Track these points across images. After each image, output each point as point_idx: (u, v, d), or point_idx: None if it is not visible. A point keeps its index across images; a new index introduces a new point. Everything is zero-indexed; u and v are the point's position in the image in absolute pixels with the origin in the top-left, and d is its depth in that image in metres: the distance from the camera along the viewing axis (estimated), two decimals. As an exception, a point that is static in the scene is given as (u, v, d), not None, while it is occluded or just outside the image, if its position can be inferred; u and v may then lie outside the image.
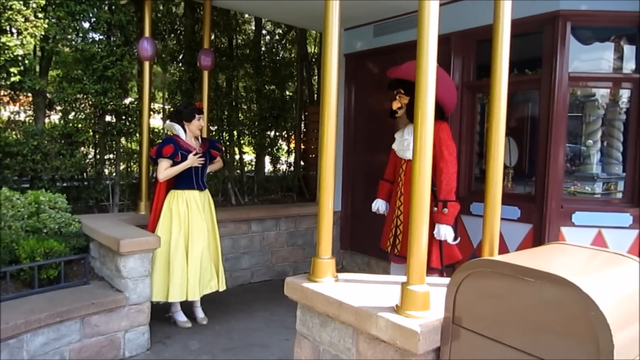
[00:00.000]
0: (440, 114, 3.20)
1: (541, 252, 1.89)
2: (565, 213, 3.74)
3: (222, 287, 3.94)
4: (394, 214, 3.54)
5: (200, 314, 3.94)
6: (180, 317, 3.86)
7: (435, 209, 3.15)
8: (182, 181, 3.74)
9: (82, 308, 2.98)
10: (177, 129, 3.74)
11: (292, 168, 7.09)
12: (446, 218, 3.17)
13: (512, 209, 3.92)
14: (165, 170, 3.62)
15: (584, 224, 3.73)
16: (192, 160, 3.68)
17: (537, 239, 3.81)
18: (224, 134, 6.21)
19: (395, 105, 3.36)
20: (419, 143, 1.76)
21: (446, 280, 2.16)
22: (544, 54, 3.69)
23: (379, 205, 3.76)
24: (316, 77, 7.72)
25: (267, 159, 7.02)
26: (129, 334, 3.26)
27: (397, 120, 3.48)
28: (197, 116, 3.77)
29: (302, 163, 7.11)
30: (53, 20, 4.32)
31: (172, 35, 5.92)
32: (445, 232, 3.17)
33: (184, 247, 3.67)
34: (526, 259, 1.61)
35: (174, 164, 3.64)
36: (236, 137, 6.41)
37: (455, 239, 3.25)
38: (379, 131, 5.22)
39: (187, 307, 3.92)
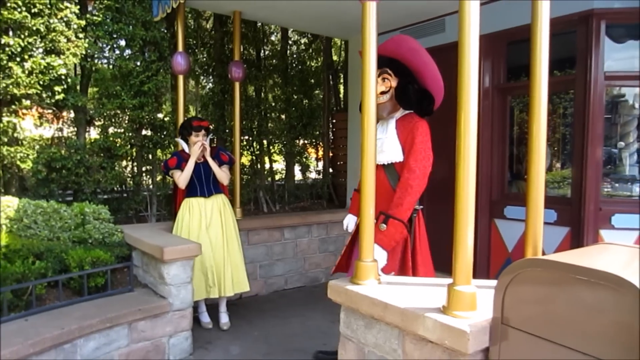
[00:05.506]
0: (421, 109, 2.69)
1: (588, 252, 1.89)
2: (604, 215, 3.68)
3: (228, 293, 3.87)
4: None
5: (223, 319, 4.01)
6: (204, 318, 4.01)
7: (374, 221, 2.32)
8: (188, 190, 3.92)
9: (130, 314, 3.09)
10: (182, 143, 3.97)
11: (321, 175, 7.16)
12: (381, 238, 2.46)
13: (547, 212, 3.85)
14: (180, 177, 3.84)
15: (624, 226, 3.65)
16: (195, 151, 3.79)
17: (575, 242, 3.75)
18: (254, 143, 6.33)
19: (378, 89, 2.57)
20: (462, 142, 1.78)
21: (489, 282, 2.17)
22: (578, 53, 3.66)
23: (348, 222, 3.04)
24: (342, 84, 7.79)
25: (297, 167, 7.11)
26: (173, 339, 3.35)
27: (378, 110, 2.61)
28: (193, 133, 3.84)
29: (330, 170, 7.17)
30: (92, 40, 4.52)
31: (203, 48, 6.09)
32: (376, 256, 2.33)
33: None
34: (575, 258, 1.61)
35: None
36: (266, 146, 6.52)
37: (387, 270, 2.52)
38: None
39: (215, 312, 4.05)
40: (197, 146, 3.79)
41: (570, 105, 4.14)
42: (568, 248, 3.75)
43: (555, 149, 4.48)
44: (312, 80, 7.12)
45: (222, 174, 3.95)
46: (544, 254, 2.72)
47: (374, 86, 2.19)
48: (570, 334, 1.48)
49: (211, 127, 4.23)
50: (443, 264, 3.21)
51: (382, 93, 2.69)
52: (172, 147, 5.16)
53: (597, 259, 1.74)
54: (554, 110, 4.32)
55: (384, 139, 2.68)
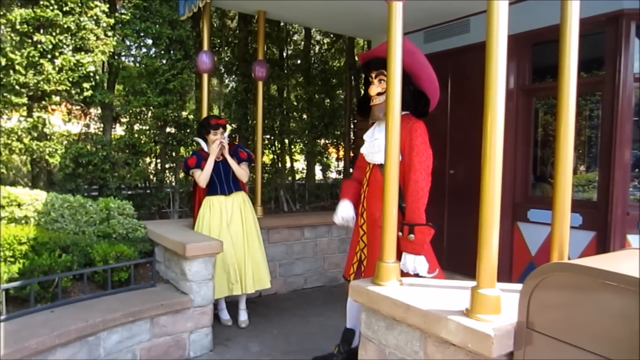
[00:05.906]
0: (417, 110, 2.71)
1: (616, 257, 1.85)
2: (632, 220, 3.59)
3: (249, 290, 3.87)
4: (359, 234, 2.89)
5: (242, 316, 4.04)
6: (223, 316, 4.05)
7: (400, 233, 2.47)
8: (209, 188, 3.93)
9: (152, 309, 3.13)
10: (201, 142, 3.99)
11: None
12: (413, 246, 2.50)
13: (573, 216, 3.76)
14: (200, 176, 3.85)
15: (653, 231, 3.57)
16: (214, 150, 3.82)
17: (600, 246, 3.67)
18: (276, 142, 6.37)
19: (375, 90, 2.72)
20: (489, 144, 1.76)
21: (512, 286, 2.14)
22: (607, 54, 3.58)
23: (343, 209, 2.93)
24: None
25: (318, 166, 7.12)
26: (193, 335, 3.39)
27: (371, 113, 2.82)
28: (211, 131, 3.87)
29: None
30: (120, 38, 4.61)
31: (227, 47, 6.15)
32: (415, 264, 2.50)
33: None
34: (602, 263, 1.58)
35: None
36: (287, 145, 6.56)
37: (431, 270, 2.57)
38: (430, 138, 5.18)
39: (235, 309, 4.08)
40: (216, 144, 3.82)
41: (596, 107, 4.06)
42: (593, 253, 3.67)
43: (580, 151, 4.39)
44: (334, 80, 7.13)
45: (241, 172, 3.97)
46: (568, 259, 2.67)
47: (399, 86, 2.17)
48: (597, 339, 1.45)
49: (233, 126, 4.27)
50: (464, 266, 3.18)
51: (379, 94, 2.71)
52: (195, 145, 5.22)
53: (626, 265, 1.69)
54: (580, 112, 4.23)
55: (381, 139, 2.61)
